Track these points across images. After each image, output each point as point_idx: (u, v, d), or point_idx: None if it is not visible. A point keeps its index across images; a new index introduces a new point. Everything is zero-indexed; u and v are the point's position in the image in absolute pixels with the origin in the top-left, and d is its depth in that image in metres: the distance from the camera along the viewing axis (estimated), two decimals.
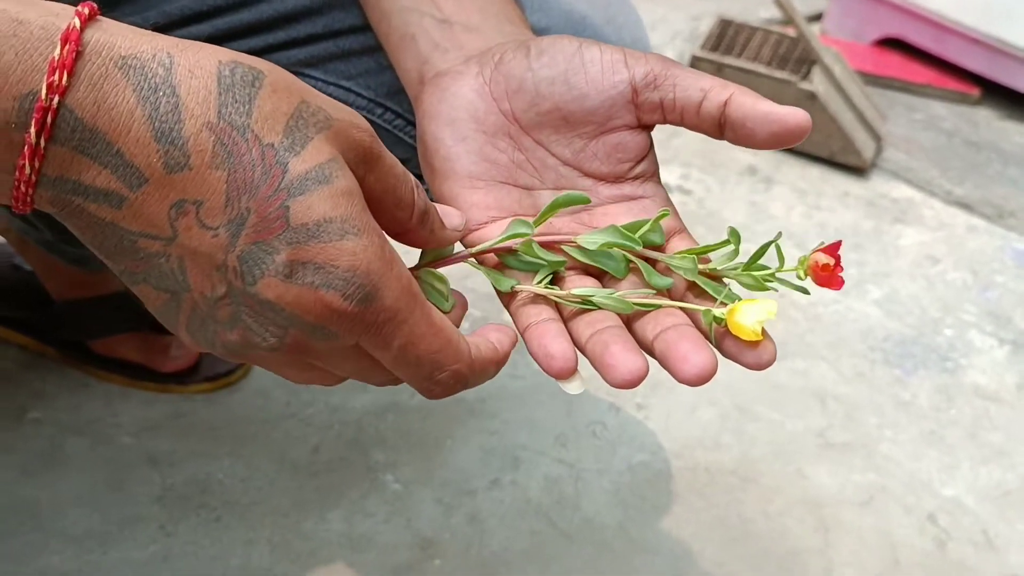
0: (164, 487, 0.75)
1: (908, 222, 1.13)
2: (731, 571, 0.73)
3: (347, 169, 0.33)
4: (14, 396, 0.80)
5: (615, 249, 0.40)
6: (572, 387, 0.38)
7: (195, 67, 0.31)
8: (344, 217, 0.32)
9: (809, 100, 1.22)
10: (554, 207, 0.40)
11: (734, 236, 0.40)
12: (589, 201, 0.41)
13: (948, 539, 0.77)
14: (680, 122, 0.42)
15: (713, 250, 0.41)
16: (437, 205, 0.39)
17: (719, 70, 1.26)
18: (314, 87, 0.58)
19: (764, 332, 0.37)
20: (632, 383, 0.37)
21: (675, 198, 1.14)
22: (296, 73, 0.58)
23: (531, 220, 0.40)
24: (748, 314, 0.36)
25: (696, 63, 1.26)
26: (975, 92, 1.34)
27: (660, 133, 1.26)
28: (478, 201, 0.43)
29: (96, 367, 0.81)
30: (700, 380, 0.37)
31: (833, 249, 0.38)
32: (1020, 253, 1.09)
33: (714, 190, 1.16)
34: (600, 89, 0.42)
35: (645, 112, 0.42)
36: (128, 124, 0.30)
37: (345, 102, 0.58)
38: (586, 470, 0.80)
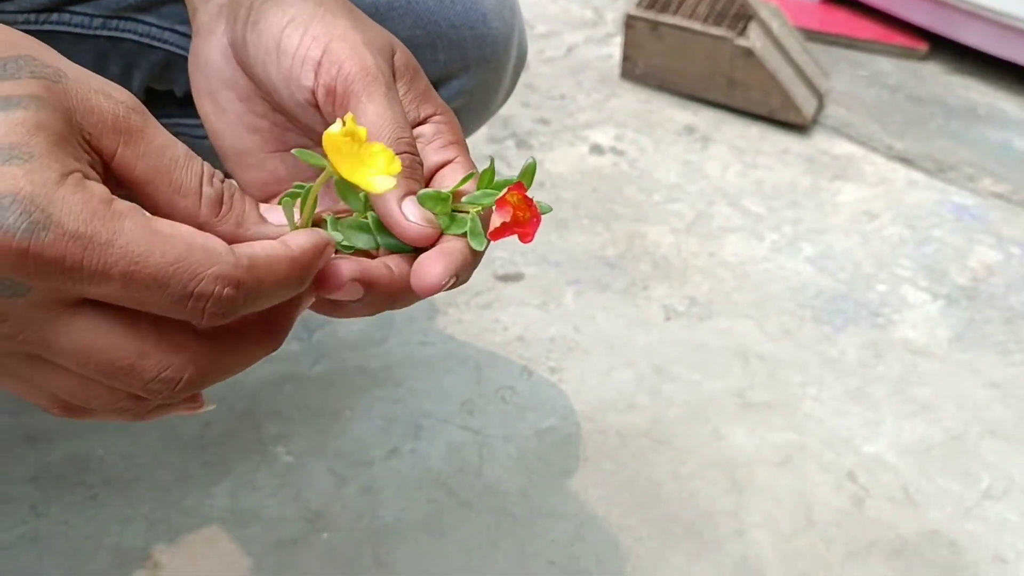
0: (40, 466, 0.71)
1: (847, 178, 1.10)
2: (636, 535, 0.69)
3: (50, 112, 0.28)
4: None
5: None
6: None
7: None
8: (13, 144, 0.27)
9: (746, 56, 1.18)
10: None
11: (487, 172, 0.36)
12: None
13: (866, 496, 0.73)
14: None
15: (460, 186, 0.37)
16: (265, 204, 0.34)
17: (654, 28, 1.22)
18: (148, 33, 0.55)
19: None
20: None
21: (607, 159, 1.10)
22: (126, 19, 0.54)
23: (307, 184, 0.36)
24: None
25: (632, 21, 1.22)
26: (923, 47, 1.30)
27: (596, 95, 1.22)
28: (253, 179, 0.40)
29: None
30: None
31: (517, 188, 0.34)
32: (959, 207, 1.05)
33: (648, 150, 1.12)
34: (287, 90, 0.37)
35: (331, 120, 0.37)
36: None
37: (182, 48, 0.55)
38: (491, 436, 0.76)
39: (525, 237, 0.34)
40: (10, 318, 0.28)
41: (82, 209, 0.27)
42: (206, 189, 0.32)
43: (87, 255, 0.27)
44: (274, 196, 0.40)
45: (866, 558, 0.69)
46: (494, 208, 0.35)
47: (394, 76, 0.38)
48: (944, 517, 0.72)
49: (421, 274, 0.34)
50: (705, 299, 0.91)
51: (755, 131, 1.17)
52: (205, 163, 0.32)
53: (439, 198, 0.36)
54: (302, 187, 0.36)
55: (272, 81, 0.38)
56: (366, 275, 0.34)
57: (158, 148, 0.31)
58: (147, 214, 0.29)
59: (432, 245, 0.35)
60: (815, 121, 1.18)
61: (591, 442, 0.76)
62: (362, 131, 0.32)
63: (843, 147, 1.15)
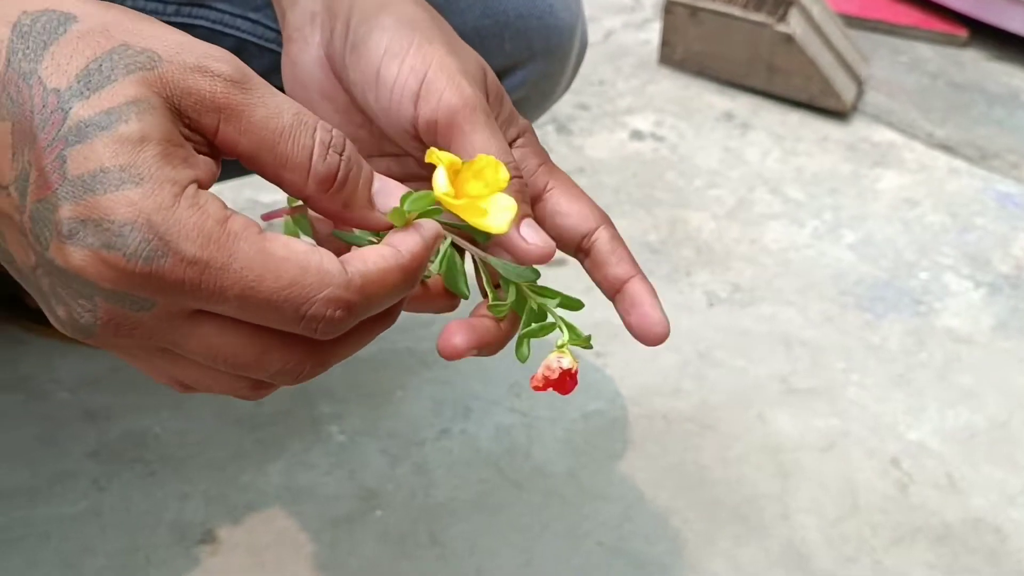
0: (99, 442, 0.73)
1: (888, 165, 1.10)
2: (684, 518, 0.70)
3: (151, 113, 0.28)
4: None
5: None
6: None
7: None
8: (124, 165, 0.28)
9: (786, 43, 1.17)
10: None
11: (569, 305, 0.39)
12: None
13: (911, 482, 0.74)
14: None
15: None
16: (382, 178, 0.33)
17: (693, 13, 1.22)
18: (220, 20, 0.56)
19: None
20: None
21: (647, 145, 1.10)
22: (199, 6, 0.55)
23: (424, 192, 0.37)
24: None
25: (671, 7, 1.22)
26: (962, 33, 1.29)
27: (634, 81, 1.22)
28: None
29: (32, 321, 0.79)
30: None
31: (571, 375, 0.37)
32: (1002, 195, 1.05)
33: (688, 136, 1.13)
34: (387, 120, 0.37)
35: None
36: None
37: (253, 35, 0.56)
38: (539, 419, 0.77)
39: (562, 393, 0.37)
40: (140, 328, 0.29)
41: (198, 234, 0.28)
42: (316, 164, 0.31)
43: (204, 279, 0.28)
44: None
45: (911, 544, 0.69)
46: (543, 370, 0.37)
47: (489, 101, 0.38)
48: (988, 504, 0.72)
49: (448, 337, 0.36)
50: (748, 285, 0.92)
51: (795, 118, 1.17)
52: (321, 131, 0.31)
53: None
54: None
55: (372, 110, 0.38)
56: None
57: (260, 122, 0.30)
58: (261, 231, 0.30)
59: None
60: (855, 108, 1.18)
61: (637, 426, 0.77)
62: (457, 161, 0.33)
63: (883, 134, 1.14)
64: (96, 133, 0.28)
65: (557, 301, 0.39)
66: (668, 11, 1.23)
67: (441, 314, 0.38)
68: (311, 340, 0.31)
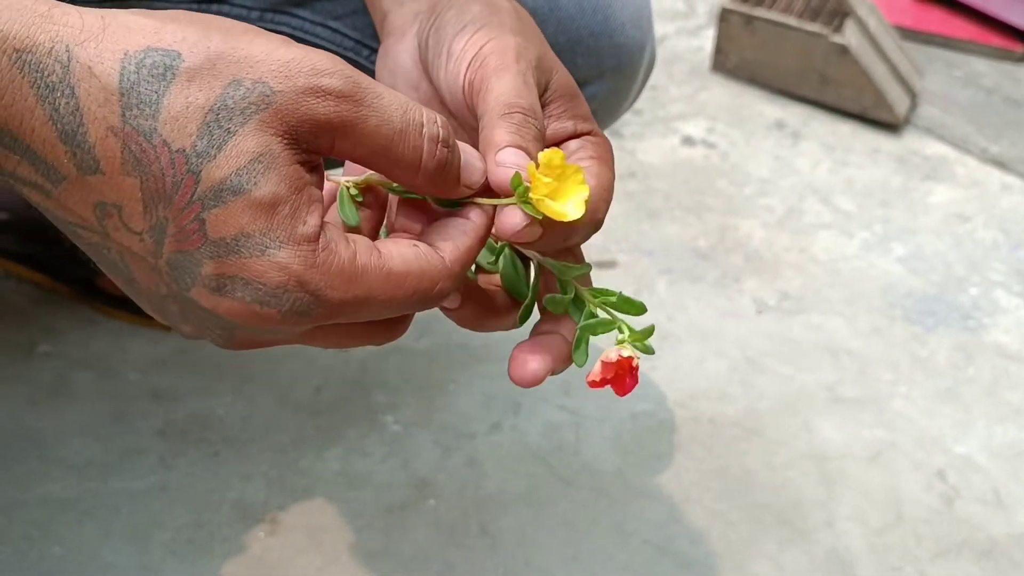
0: (166, 421, 0.75)
1: (939, 179, 1.10)
2: (729, 520, 0.72)
3: (276, 168, 0.30)
4: (25, 330, 0.81)
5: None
6: None
7: (96, 62, 0.29)
8: (263, 230, 0.30)
9: (841, 54, 1.18)
10: None
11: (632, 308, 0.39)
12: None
13: (956, 496, 0.74)
14: None
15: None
16: (462, 149, 0.35)
17: (748, 22, 1.23)
18: (300, 27, 0.58)
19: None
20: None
21: (699, 151, 1.12)
22: (282, 12, 0.57)
23: None
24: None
25: (726, 14, 1.23)
26: (1019, 48, 1.28)
27: (687, 88, 1.23)
28: None
29: (105, 304, 0.82)
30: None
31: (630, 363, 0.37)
32: None
33: (739, 144, 1.13)
34: (450, 93, 0.39)
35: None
36: (31, 123, 0.29)
37: (332, 43, 0.58)
38: (588, 417, 0.79)
39: (620, 392, 0.37)
40: (272, 343, 0.34)
41: (340, 280, 0.31)
42: (426, 162, 0.33)
43: (347, 313, 0.32)
44: None
45: (956, 557, 0.70)
46: (601, 361, 0.37)
47: (539, 89, 0.38)
48: None
49: (521, 363, 0.38)
50: (796, 294, 0.93)
51: (846, 129, 1.17)
52: (428, 126, 0.33)
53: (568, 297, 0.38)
54: None
55: (440, 84, 0.40)
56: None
57: (373, 131, 0.32)
58: (376, 249, 0.33)
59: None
60: (907, 121, 1.18)
61: (684, 429, 0.79)
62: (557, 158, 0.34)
63: (935, 148, 1.15)
64: (231, 198, 0.30)
65: (615, 299, 0.39)
66: (723, 19, 1.24)
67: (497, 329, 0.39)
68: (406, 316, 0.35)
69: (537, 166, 0.34)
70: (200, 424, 0.76)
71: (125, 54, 0.29)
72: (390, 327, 0.36)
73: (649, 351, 0.38)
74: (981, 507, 0.74)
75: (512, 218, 0.34)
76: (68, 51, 0.29)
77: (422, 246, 0.34)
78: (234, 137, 0.29)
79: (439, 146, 0.33)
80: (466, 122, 0.40)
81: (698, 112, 1.18)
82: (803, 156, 1.12)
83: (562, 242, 0.37)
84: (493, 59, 0.38)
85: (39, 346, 0.81)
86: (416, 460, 0.74)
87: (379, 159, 0.33)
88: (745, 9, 1.23)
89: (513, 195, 0.35)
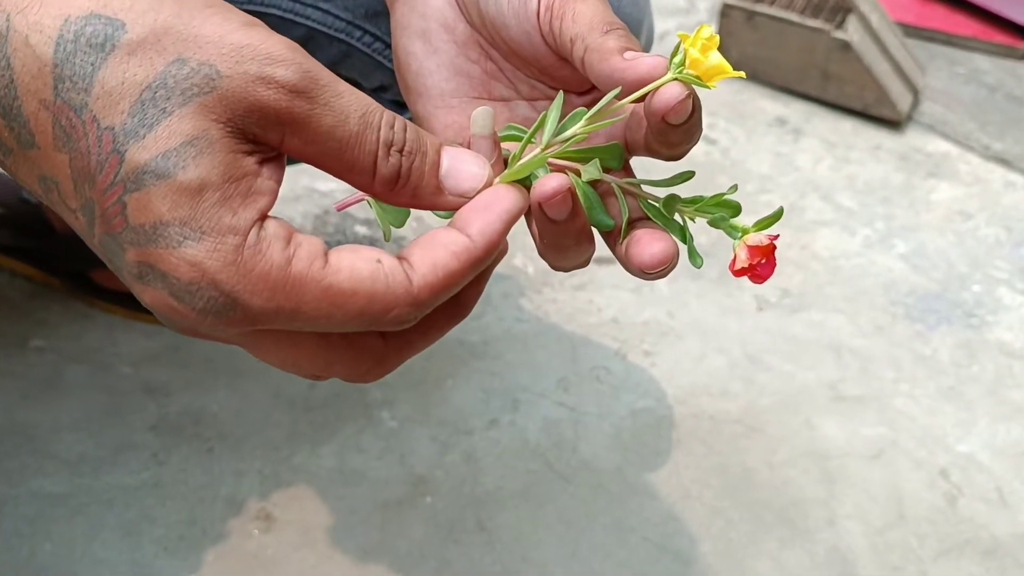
0: (159, 416, 0.75)
1: (942, 176, 1.09)
2: (728, 518, 0.71)
3: (209, 153, 0.28)
4: (18, 324, 0.81)
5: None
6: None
7: (34, 31, 0.27)
8: (183, 219, 0.27)
9: (843, 50, 1.17)
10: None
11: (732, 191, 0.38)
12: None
13: (959, 495, 0.74)
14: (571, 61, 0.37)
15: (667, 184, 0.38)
16: (450, 150, 0.32)
17: (750, 17, 1.22)
18: (291, 8, 0.57)
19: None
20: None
21: (699, 147, 1.11)
22: None
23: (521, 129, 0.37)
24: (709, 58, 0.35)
25: (728, 10, 1.22)
26: (1022, 46, 1.28)
27: None
28: (452, 122, 0.40)
29: (98, 298, 0.81)
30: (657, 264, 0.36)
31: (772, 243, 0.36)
32: None
33: (740, 140, 1.13)
34: (516, 20, 0.37)
35: (552, 46, 0.37)
36: None
37: (323, 24, 0.56)
38: (587, 414, 0.78)
39: (758, 280, 0.35)
40: (221, 338, 0.31)
41: (264, 287, 0.28)
42: (380, 167, 0.30)
43: (275, 321, 0.29)
44: (450, 128, 0.40)
45: (959, 556, 0.69)
46: (746, 246, 0.36)
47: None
48: None
49: (642, 249, 0.35)
50: (797, 291, 0.92)
51: (848, 125, 1.16)
52: (384, 126, 0.30)
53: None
54: (518, 128, 0.36)
55: (504, 15, 0.38)
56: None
57: (327, 132, 0.29)
58: (326, 260, 0.29)
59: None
60: (910, 118, 1.17)
61: (684, 425, 0.78)
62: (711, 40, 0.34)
63: (937, 145, 1.14)
64: (153, 182, 0.27)
65: (715, 201, 0.38)
66: (724, 14, 1.23)
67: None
68: (381, 343, 0.32)
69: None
70: (194, 419, 0.75)
71: (66, 20, 0.27)
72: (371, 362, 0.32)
73: (777, 218, 0.37)
74: (984, 506, 0.73)
75: (671, 90, 0.33)
76: (8, 20, 0.27)
77: (387, 263, 0.30)
78: (168, 118, 0.27)
79: (392, 150, 0.30)
80: (526, 51, 0.38)
81: None
82: (804, 153, 1.11)
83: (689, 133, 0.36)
84: None
85: (32, 340, 0.80)
86: (413, 456, 0.74)
87: (331, 161, 0.30)
88: (747, 5, 1.22)
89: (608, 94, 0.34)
